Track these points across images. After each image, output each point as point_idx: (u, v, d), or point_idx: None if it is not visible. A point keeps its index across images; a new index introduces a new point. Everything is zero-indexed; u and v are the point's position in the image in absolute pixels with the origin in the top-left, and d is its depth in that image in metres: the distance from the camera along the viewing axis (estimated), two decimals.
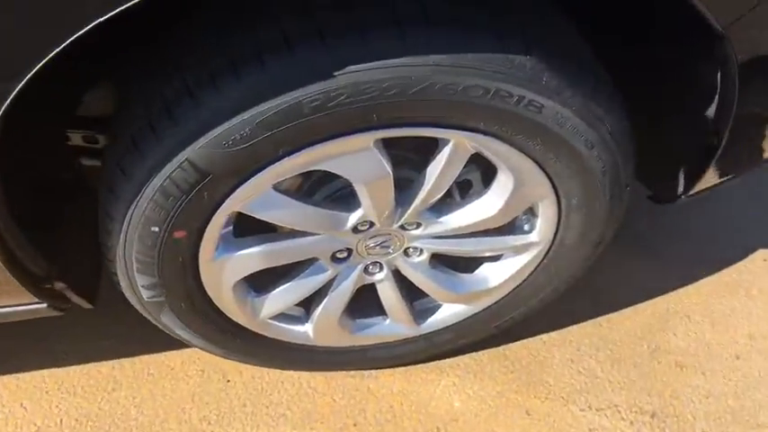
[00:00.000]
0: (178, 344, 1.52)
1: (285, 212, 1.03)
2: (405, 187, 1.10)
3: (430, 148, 1.08)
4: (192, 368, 1.50)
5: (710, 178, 1.15)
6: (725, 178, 1.16)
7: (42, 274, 1.06)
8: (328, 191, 1.12)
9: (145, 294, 1.08)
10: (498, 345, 1.55)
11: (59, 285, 1.13)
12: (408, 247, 1.21)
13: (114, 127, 0.94)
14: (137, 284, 1.06)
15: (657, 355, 1.56)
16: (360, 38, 0.81)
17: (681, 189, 1.21)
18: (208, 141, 0.85)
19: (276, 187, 0.99)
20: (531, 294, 1.36)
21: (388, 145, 1.00)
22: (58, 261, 1.11)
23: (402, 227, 1.15)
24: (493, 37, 0.86)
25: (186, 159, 0.86)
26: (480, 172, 1.22)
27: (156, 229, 0.95)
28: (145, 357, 1.51)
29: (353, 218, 1.09)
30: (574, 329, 1.59)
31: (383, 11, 0.82)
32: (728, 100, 0.95)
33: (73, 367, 1.49)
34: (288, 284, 1.21)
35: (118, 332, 1.54)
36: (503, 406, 1.47)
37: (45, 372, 1.48)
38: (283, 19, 0.82)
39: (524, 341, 1.57)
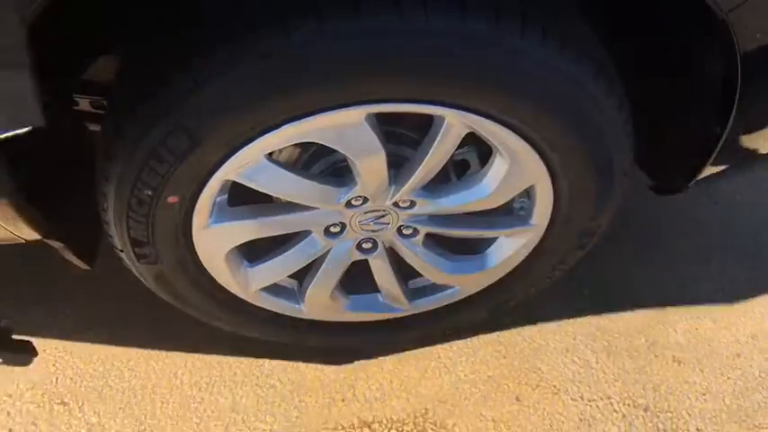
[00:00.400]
0: (173, 310, 1.54)
1: (278, 183, 1.03)
2: (401, 165, 1.09)
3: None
4: (187, 335, 1.52)
5: (713, 169, 1.12)
6: (728, 170, 1.13)
7: (43, 233, 1.08)
8: (325, 164, 1.12)
9: (138, 258, 1.10)
10: (492, 330, 1.55)
11: (59, 245, 1.15)
12: (402, 226, 1.20)
13: (114, 93, 0.95)
14: (130, 248, 1.07)
15: (655, 350, 1.55)
16: (353, 11, 0.80)
17: (684, 180, 1.18)
18: (200, 109, 0.85)
19: (272, 158, 0.99)
20: (524, 280, 1.35)
21: (385, 122, 1.00)
22: (60, 223, 1.13)
23: (396, 204, 1.14)
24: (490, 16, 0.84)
25: (179, 125, 0.86)
26: (477, 153, 1.20)
27: (150, 192, 0.95)
28: (142, 322, 1.53)
29: (347, 192, 1.08)
30: (570, 319, 1.58)
31: None
32: (731, 88, 0.92)
33: (72, 328, 1.52)
34: (280, 256, 1.21)
35: (118, 295, 1.56)
36: (493, 391, 1.46)
37: (45, 331, 1.51)
38: None
39: (519, 328, 1.56)
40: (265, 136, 0.92)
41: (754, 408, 1.46)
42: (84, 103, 1.34)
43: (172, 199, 0.99)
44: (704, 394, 1.48)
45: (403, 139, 1.13)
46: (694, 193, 1.79)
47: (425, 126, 1.13)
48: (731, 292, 1.66)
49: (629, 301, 1.61)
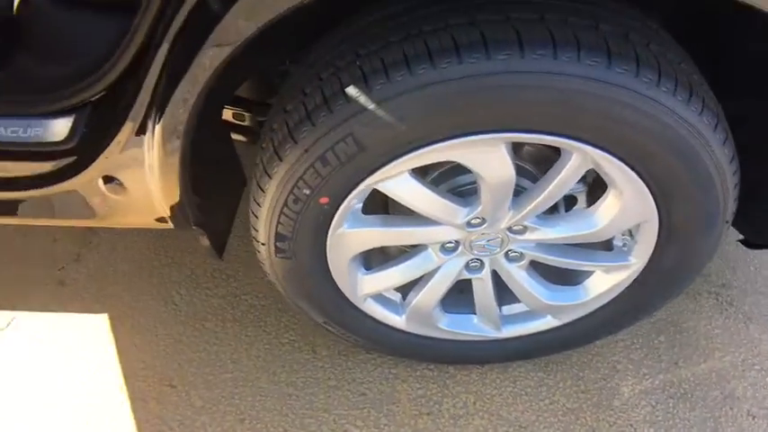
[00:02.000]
0: (274, 313, 1.67)
1: (413, 195, 1.15)
2: (519, 193, 1.20)
3: (546, 161, 1.21)
4: (286, 336, 1.63)
5: None
6: None
7: (194, 223, 1.23)
8: (451, 185, 1.24)
9: (277, 252, 1.22)
10: (572, 365, 1.61)
11: (202, 235, 1.29)
12: (510, 250, 1.30)
13: (284, 101, 1.09)
14: (273, 241, 1.20)
15: (730, 402, 1.58)
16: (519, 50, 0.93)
17: None
18: (372, 121, 0.98)
19: (412, 172, 1.12)
20: (613, 316, 1.42)
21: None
22: (206, 216, 1.28)
23: (509, 228, 1.25)
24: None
25: (350, 133, 1.00)
26: (586, 191, 1.31)
27: (308, 192, 1.09)
28: (245, 320, 1.65)
29: (470, 212, 1.19)
30: (649, 362, 1.63)
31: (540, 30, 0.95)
32: None
33: (182, 317, 1.65)
34: (396, 267, 1.32)
35: (227, 293, 1.69)
36: (571, 423, 1.52)
37: (158, 318, 1.64)
38: (453, 22, 0.96)
39: (599, 364, 1.62)
40: (418, 151, 1.05)
41: None
42: (227, 114, 1.50)
43: (323, 199, 1.11)
44: None
45: (523, 172, 1.24)
46: None
47: (542, 159, 1.25)
48: None
49: (707, 353, 1.66)
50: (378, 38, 1.00)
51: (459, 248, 1.29)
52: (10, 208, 1.30)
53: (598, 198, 1.24)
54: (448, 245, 1.29)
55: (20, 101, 1.18)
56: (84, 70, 1.17)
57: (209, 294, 1.70)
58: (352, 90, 0.98)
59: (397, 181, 1.12)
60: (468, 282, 1.39)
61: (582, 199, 1.33)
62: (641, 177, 1.10)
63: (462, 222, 1.22)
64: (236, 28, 0.89)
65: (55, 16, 1.24)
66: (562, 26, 0.96)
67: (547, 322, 1.45)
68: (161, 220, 1.29)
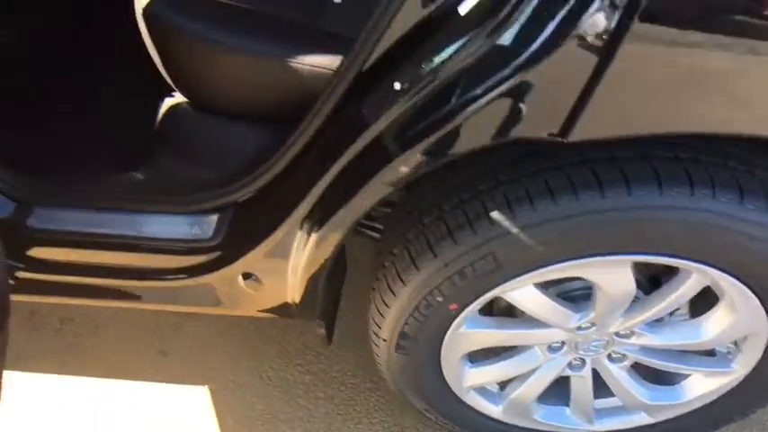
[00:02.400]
0: (364, 392, 1.72)
1: (531, 301, 1.22)
2: (632, 302, 1.26)
3: (653, 268, 1.27)
4: (376, 416, 1.68)
5: None
6: None
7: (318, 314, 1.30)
8: (561, 289, 1.31)
9: (396, 348, 1.29)
10: None
11: (320, 324, 1.36)
12: (614, 351, 1.36)
13: (420, 215, 1.16)
14: (396, 339, 1.26)
15: None
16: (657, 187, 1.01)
17: None
18: (514, 243, 1.06)
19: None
20: (708, 417, 1.46)
21: None
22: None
23: (617, 333, 1.30)
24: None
25: (491, 253, 1.08)
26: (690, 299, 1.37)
27: (441, 299, 1.16)
28: (337, 398, 1.70)
29: (582, 318, 1.26)
30: None
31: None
32: None
33: (277, 393, 1.70)
34: (501, 362, 1.38)
35: (318, 370, 1.75)
36: None
37: (255, 393, 1.70)
38: (592, 157, 1.04)
39: None
40: (549, 268, 1.12)
41: None
42: None
43: (453, 306, 1.18)
44: None
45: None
46: None
47: (650, 268, 1.31)
48: None
49: None
50: (519, 167, 1.08)
51: (565, 348, 1.35)
52: (136, 295, 1.38)
53: (698, 304, 1.30)
54: (554, 344, 1.34)
55: (168, 200, 1.28)
56: (226, 173, 1.27)
57: (300, 371, 1.75)
58: (496, 215, 1.06)
59: (521, 291, 1.19)
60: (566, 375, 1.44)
61: (685, 306, 1.38)
62: (757, 296, 1.16)
63: (573, 327, 1.27)
64: (403, 175, 0.99)
65: (199, 124, 1.35)
66: (696, 164, 1.03)
67: (640, 418, 1.49)
68: (275, 310, 1.36)
